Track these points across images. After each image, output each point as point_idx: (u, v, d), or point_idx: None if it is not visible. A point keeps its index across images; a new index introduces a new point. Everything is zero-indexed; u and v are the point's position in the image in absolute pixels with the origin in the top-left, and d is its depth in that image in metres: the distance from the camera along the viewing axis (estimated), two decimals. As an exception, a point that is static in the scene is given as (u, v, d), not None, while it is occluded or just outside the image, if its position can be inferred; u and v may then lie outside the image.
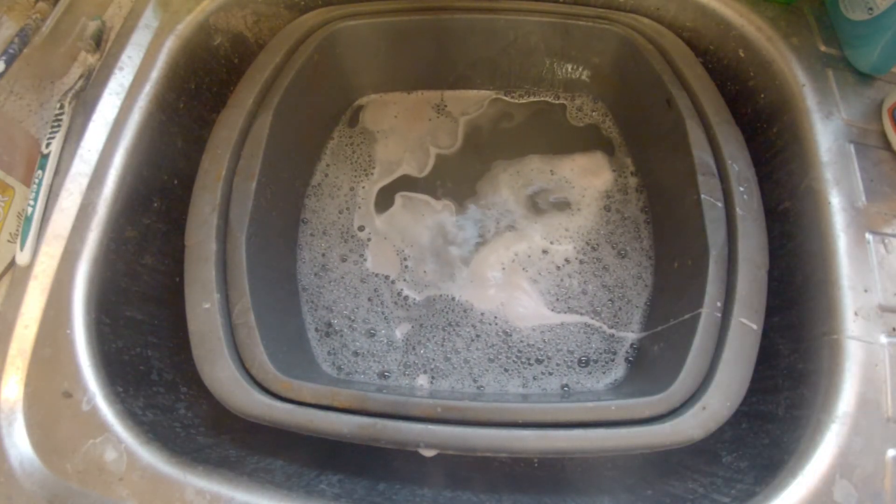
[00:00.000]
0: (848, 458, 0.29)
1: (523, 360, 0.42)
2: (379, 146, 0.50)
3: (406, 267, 0.45)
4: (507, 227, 0.47)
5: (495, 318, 0.43)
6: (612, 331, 0.42)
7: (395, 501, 0.34)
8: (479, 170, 0.49)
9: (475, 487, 0.37)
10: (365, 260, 0.46)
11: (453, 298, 0.44)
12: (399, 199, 0.48)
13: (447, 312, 0.44)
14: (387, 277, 0.45)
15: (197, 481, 0.30)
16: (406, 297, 0.44)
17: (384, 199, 0.48)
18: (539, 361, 0.42)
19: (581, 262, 0.45)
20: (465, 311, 0.44)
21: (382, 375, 0.42)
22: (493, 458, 0.40)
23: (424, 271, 0.45)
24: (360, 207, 0.48)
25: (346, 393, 0.31)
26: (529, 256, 0.45)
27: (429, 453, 0.32)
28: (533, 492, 0.37)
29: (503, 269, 0.45)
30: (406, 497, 0.35)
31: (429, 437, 0.30)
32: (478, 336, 0.43)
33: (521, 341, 0.42)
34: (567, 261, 0.45)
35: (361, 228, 0.47)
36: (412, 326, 0.43)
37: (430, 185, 0.49)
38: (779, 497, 0.29)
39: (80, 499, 0.30)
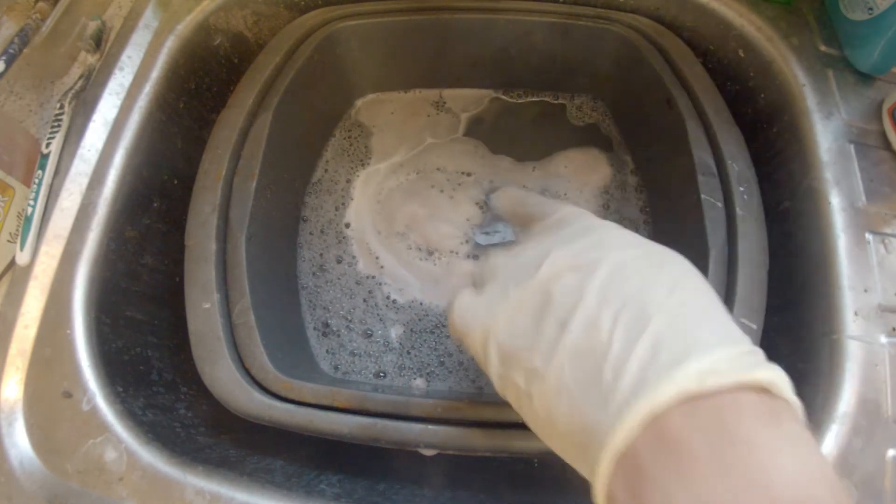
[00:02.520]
0: (848, 458, 0.29)
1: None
2: (378, 144, 0.50)
3: (381, 267, 0.45)
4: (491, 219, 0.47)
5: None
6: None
7: (395, 501, 0.34)
8: (471, 158, 0.49)
9: (475, 487, 0.37)
10: (356, 261, 0.46)
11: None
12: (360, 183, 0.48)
13: (436, 315, 0.44)
14: (373, 278, 0.45)
15: (197, 481, 0.30)
16: (395, 301, 0.44)
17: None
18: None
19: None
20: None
21: (378, 375, 0.42)
22: (493, 458, 0.40)
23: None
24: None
25: (346, 393, 0.31)
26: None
27: (429, 453, 0.32)
28: (533, 492, 0.37)
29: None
30: (406, 497, 0.35)
31: (429, 437, 0.30)
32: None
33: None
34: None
35: (347, 225, 0.47)
36: (404, 330, 0.43)
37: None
38: (779, 497, 0.29)
39: (80, 499, 0.30)
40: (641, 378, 0.17)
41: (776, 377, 0.17)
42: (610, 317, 0.18)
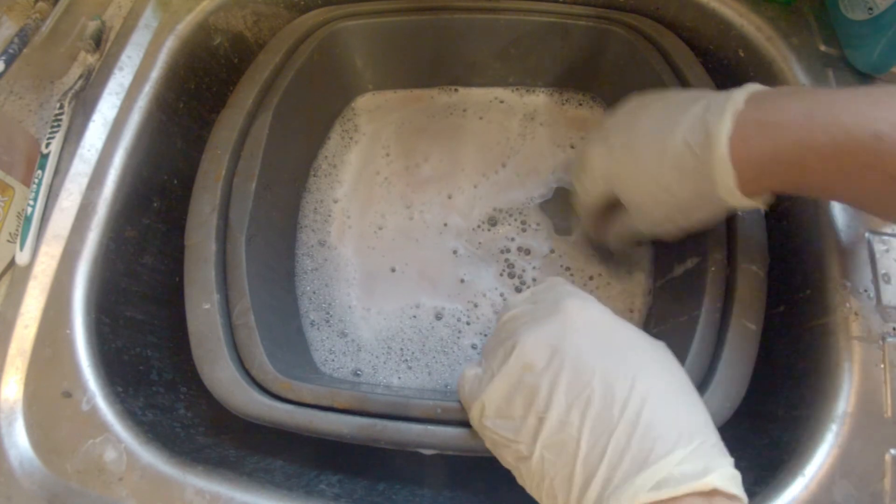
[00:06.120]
0: (848, 458, 0.29)
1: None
2: (377, 143, 0.50)
3: (386, 263, 0.45)
4: (488, 218, 0.47)
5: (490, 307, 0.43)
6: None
7: (395, 501, 0.34)
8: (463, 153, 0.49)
9: (475, 487, 0.37)
10: (358, 257, 0.46)
11: (435, 306, 0.44)
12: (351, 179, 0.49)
13: (432, 311, 0.44)
14: (370, 273, 0.45)
15: (197, 481, 0.30)
16: (398, 299, 0.44)
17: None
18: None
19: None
20: (455, 309, 0.44)
21: (377, 378, 0.42)
22: (493, 458, 0.40)
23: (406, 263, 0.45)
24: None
25: (346, 393, 0.31)
26: (520, 250, 0.45)
27: (428, 452, 0.32)
28: (533, 492, 0.37)
29: (496, 262, 0.45)
30: (406, 497, 0.35)
31: (429, 438, 0.30)
32: (468, 323, 0.43)
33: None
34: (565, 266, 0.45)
35: (348, 217, 0.47)
36: (404, 329, 0.43)
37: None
38: (779, 497, 0.29)
39: (79, 499, 0.30)
40: (607, 481, 0.21)
41: (723, 478, 0.20)
42: (578, 415, 0.22)
